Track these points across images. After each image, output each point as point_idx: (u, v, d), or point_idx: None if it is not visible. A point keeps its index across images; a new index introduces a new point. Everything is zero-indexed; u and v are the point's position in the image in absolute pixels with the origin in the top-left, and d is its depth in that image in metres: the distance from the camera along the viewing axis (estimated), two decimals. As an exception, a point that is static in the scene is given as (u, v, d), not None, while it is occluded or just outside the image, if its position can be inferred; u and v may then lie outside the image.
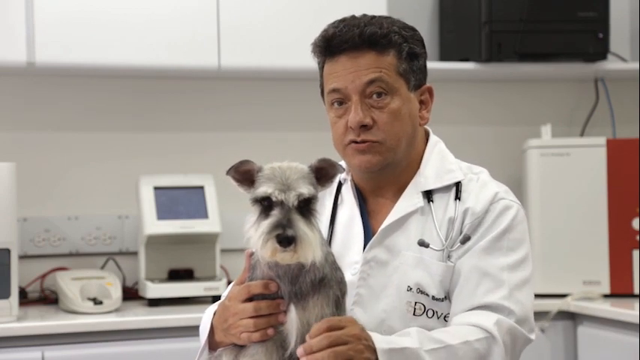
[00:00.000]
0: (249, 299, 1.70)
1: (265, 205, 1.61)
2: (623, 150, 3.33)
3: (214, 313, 1.82)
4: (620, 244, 3.30)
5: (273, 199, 1.60)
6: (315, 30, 1.90)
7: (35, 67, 3.10)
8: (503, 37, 3.47)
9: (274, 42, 3.28)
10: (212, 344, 1.82)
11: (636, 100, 3.83)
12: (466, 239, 1.81)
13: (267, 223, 1.58)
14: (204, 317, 1.87)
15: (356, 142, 1.82)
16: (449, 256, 1.82)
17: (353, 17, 1.86)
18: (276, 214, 1.59)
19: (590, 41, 3.51)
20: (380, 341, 1.63)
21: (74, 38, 3.11)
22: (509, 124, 3.84)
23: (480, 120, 3.83)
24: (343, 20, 1.85)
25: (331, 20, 1.88)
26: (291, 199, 1.59)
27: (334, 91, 1.84)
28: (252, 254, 1.74)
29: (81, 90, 3.44)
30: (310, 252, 1.58)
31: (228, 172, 1.68)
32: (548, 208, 3.35)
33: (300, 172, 1.64)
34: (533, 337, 1.80)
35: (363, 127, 1.81)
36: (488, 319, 1.73)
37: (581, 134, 3.81)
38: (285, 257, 1.59)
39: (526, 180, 3.44)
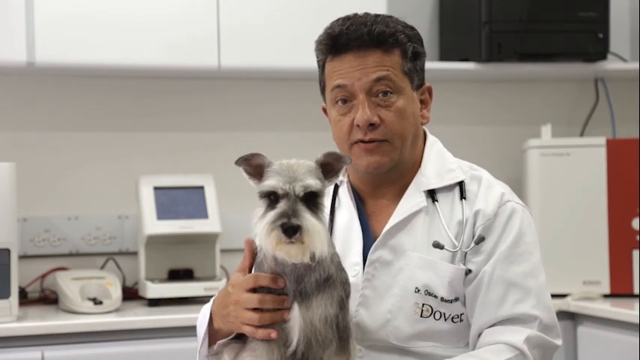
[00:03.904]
0: (254, 290, 1.68)
1: (272, 199, 1.61)
2: (623, 150, 3.33)
3: (214, 300, 1.80)
4: (620, 244, 3.30)
5: (280, 192, 1.59)
6: (315, 30, 1.90)
7: (35, 67, 3.10)
8: (503, 37, 3.46)
9: (274, 42, 3.28)
10: (210, 332, 1.80)
11: (636, 100, 3.82)
12: (480, 240, 1.80)
13: (272, 214, 1.58)
14: (201, 313, 1.85)
15: (363, 142, 1.81)
16: (464, 258, 1.80)
17: (357, 15, 1.84)
18: (281, 205, 1.59)
19: (590, 41, 3.51)
20: None
21: (74, 38, 3.11)
22: (509, 124, 3.84)
23: (480, 120, 3.82)
24: (348, 18, 1.84)
25: (331, 20, 1.87)
26: (297, 190, 1.59)
27: (339, 87, 1.82)
28: (252, 242, 1.73)
29: (81, 90, 3.44)
30: (318, 242, 1.56)
31: (237, 162, 1.68)
32: (548, 208, 3.35)
33: (307, 167, 1.64)
34: (559, 342, 1.80)
35: (371, 126, 1.80)
36: (519, 337, 1.73)
37: (581, 134, 3.81)
38: (292, 251, 1.57)
39: (526, 180, 3.44)
